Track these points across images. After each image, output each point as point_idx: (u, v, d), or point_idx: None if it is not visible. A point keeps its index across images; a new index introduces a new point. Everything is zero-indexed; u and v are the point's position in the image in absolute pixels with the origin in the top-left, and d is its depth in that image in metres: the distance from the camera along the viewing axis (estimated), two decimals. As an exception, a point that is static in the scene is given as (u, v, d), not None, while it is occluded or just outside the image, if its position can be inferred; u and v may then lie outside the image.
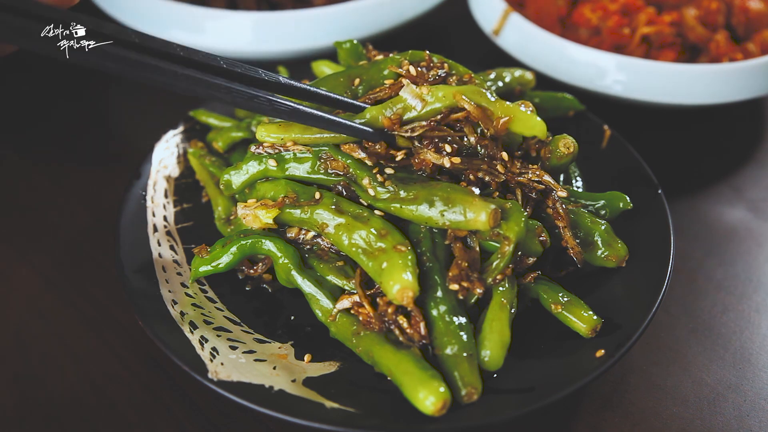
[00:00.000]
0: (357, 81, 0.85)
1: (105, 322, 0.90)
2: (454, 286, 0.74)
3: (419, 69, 0.84)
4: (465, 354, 0.72)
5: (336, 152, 0.79)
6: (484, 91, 0.79)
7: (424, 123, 0.79)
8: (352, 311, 0.77)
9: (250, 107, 0.74)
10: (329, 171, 0.80)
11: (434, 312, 0.74)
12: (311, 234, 0.81)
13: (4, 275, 0.96)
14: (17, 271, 0.96)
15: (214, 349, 0.76)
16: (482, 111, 0.78)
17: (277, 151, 0.82)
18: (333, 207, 0.78)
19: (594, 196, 0.87)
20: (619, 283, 0.83)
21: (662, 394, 0.84)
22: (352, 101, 0.82)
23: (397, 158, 0.79)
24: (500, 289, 0.76)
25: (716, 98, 1.10)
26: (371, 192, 0.77)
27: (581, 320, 0.77)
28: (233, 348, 0.77)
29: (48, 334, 0.89)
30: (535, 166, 0.82)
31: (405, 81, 0.81)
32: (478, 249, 0.76)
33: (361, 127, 0.79)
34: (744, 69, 1.09)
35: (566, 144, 0.84)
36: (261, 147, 0.83)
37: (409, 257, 0.73)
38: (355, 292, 0.77)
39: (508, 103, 0.79)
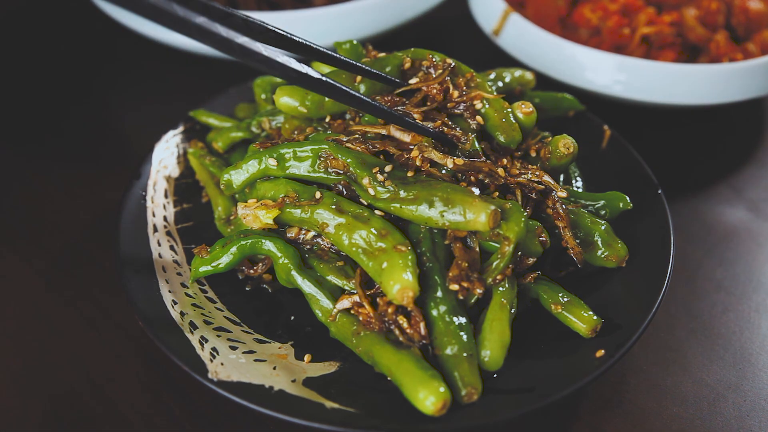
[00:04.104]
0: (358, 79, 0.85)
1: (105, 322, 0.90)
2: (454, 287, 0.74)
3: (423, 71, 0.85)
4: (465, 354, 0.72)
5: (336, 150, 0.79)
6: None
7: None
8: (352, 311, 0.77)
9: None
10: (329, 170, 0.80)
11: (434, 312, 0.74)
12: (311, 234, 0.81)
13: (4, 275, 0.96)
14: (17, 271, 0.96)
15: (214, 349, 0.76)
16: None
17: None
18: (333, 207, 0.78)
19: (594, 196, 0.87)
20: (619, 283, 0.83)
21: (662, 394, 0.84)
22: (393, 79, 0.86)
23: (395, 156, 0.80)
24: (500, 289, 0.76)
25: (716, 98, 1.10)
26: (371, 192, 0.77)
27: (581, 320, 0.77)
28: (233, 348, 0.77)
29: (48, 334, 0.89)
30: (535, 167, 0.82)
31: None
32: (478, 249, 0.76)
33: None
34: (744, 69, 1.09)
35: (566, 144, 0.84)
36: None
37: (410, 257, 0.73)
38: (355, 292, 0.77)
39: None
